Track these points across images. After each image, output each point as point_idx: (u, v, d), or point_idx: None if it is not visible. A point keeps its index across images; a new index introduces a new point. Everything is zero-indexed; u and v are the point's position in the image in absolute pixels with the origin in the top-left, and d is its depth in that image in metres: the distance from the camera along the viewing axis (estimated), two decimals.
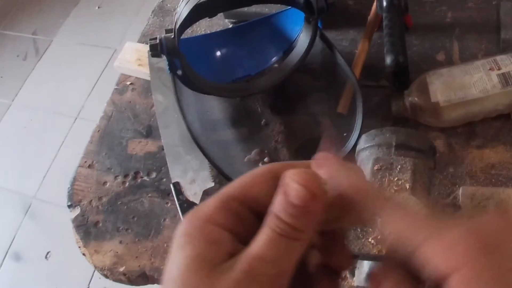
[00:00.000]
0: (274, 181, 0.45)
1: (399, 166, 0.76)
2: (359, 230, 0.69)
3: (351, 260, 0.49)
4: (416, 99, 0.99)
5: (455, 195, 0.93)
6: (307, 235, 0.43)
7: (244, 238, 0.43)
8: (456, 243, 0.37)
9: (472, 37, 1.14)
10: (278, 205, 0.42)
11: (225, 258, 0.41)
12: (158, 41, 0.95)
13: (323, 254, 0.47)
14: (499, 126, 1.01)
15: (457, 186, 0.95)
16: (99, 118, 1.19)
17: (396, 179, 0.75)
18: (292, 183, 0.41)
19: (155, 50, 0.96)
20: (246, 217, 0.44)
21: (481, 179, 0.96)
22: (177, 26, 0.96)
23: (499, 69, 0.98)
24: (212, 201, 0.44)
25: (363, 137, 0.84)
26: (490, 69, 0.98)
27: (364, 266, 0.75)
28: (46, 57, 3.27)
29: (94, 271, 2.23)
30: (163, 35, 0.96)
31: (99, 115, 1.20)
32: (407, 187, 0.74)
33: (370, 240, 0.67)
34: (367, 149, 0.81)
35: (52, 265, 2.43)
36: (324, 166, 0.45)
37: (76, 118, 2.90)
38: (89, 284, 2.34)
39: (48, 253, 2.46)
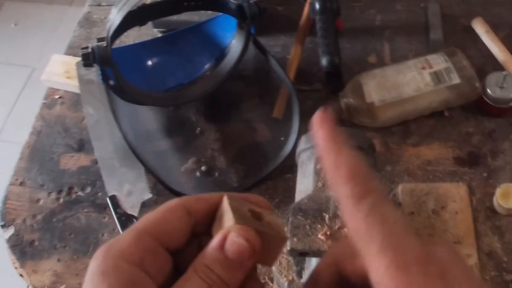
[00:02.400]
0: (187, 217, 0.46)
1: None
2: (308, 227, 0.71)
3: None
4: (351, 100, 1.03)
5: (395, 193, 0.98)
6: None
7: (155, 275, 0.43)
8: (401, 264, 0.38)
9: (402, 39, 1.21)
10: (212, 258, 0.43)
11: None
12: (90, 50, 0.96)
13: None
14: (433, 123, 1.07)
15: (395, 183, 0.99)
16: (27, 134, 1.18)
17: None
18: (238, 238, 0.42)
19: (87, 59, 0.96)
20: (158, 253, 0.44)
21: (418, 175, 1.01)
22: (110, 34, 0.97)
23: (431, 67, 1.05)
24: (127, 236, 0.43)
25: (303, 138, 0.86)
26: (422, 68, 1.04)
27: (313, 265, 0.78)
28: None
29: None
30: (95, 43, 0.96)
31: (22, 135, 1.19)
32: None
33: (319, 236, 0.69)
34: (308, 150, 0.84)
35: None
36: (320, 128, 0.44)
37: None
38: None
39: None
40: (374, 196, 0.41)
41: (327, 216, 0.73)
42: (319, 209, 0.74)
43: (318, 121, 0.45)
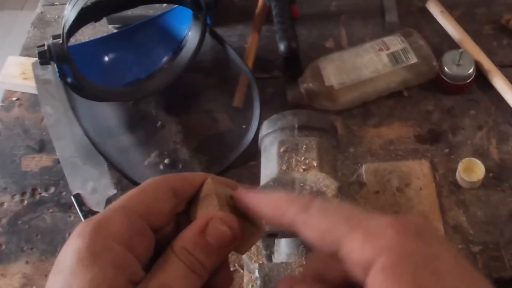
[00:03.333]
0: (173, 198, 0.47)
1: (304, 146, 0.80)
2: None
3: (232, 279, 0.50)
4: (310, 85, 1.05)
5: (359, 173, 0.99)
6: (210, 273, 0.45)
7: (141, 256, 0.43)
8: (375, 233, 0.38)
9: (358, 23, 1.22)
10: (193, 242, 0.44)
11: (129, 286, 0.41)
12: (46, 47, 0.95)
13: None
14: (393, 104, 1.09)
15: (359, 164, 1.01)
16: None
17: (303, 158, 0.79)
18: (221, 225, 0.44)
19: (44, 57, 0.95)
20: (146, 233, 0.44)
21: (381, 155, 1.03)
22: (65, 30, 0.96)
23: (388, 49, 1.07)
24: (117, 217, 0.43)
25: (265, 123, 0.87)
26: (379, 49, 1.06)
27: (282, 247, 0.79)
28: None
29: None
30: (51, 41, 0.95)
31: None
32: (315, 164, 0.78)
33: None
34: (271, 134, 0.85)
35: None
36: (246, 196, 0.47)
37: None
38: None
39: None
40: (319, 199, 0.43)
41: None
42: (285, 189, 0.75)
43: (240, 195, 0.48)
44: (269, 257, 0.81)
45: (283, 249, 0.76)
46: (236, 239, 0.45)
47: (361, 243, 0.38)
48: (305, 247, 0.72)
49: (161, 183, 0.47)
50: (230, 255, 0.49)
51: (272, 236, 0.73)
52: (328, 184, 0.75)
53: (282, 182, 0.76)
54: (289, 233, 0.71)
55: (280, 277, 0.68)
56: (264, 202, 0.46)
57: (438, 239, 0.40)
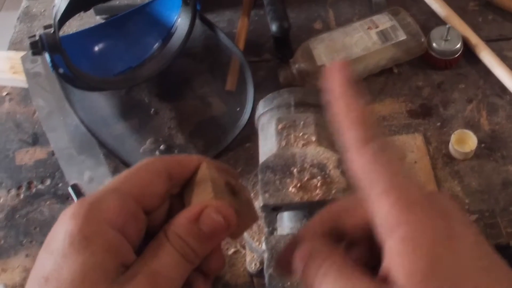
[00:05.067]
0: (168, 182, 0.48)
1: (302, 122, 0.82)
2: (277, 182, 0.73)
3: (224, 263, 0.50)
4: (302, 65, 1.07)
5: None
6: (202, 259, 0.46)
7: (133, 240, 0.44)
8: (406, 202, 0.39)
9: (345, 3, 1.25)
10: (186, 229, 0.44)
11: (121, 269, 0.42)
12: (38, 37, 0.96)
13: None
14: (384, 80, 1.12)
15: None
16: None
17: (301, 134, 0.81)
18: (215, 214, 0.44)
19: (36, 48, 0.96)
20: (139, 217, 0.45)
21: None
22: (57, 19, 0.97)
23: (377, 27, 1.10)
24: (111, 199, 0.43)
25: (261, 102, 0.89)
26: (368, 28, 1.09)
27: (285, 222, 0.80)
28: None
29: None
30: (43, 31, 0.96)
31: None
32: (313, 139, 0.80)
33: (290, 189, 0.72)
34: (267, 113, 0.87)
35: None
36: (334, 75, 0.46)
37: None
38: None
39: None
40: (380, 142, 0.42)
41: (295, 170, 0.76)
42: (286, 164, 0.77)
43: (335, 68, 0.46)
44: (272, 234, 0.79)
45: (286, 223, 0.77)
46: (230, 229, 0.45)
47: (389, 208, 0.39)
48: (307, 221, 0.72)
49: (156, 165, 0.48)
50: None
51: (276, 209, 0.74)
52: (328, 156, 0.77)
53: (282, 157, 0.78)
54: (295, 206, 0.74)
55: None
56: (341, 99, 0.45)
57: (462, 221, 0.40)
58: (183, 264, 0.44)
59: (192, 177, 0.50)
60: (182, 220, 0.45)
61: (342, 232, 0.47)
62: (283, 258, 0.48)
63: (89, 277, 0.39)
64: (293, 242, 0.47)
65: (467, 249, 0.38)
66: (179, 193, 0.50)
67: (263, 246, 0.75)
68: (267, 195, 0.73)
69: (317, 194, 0.74)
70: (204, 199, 0.47)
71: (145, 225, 0.46)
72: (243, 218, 0.49)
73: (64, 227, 0.42)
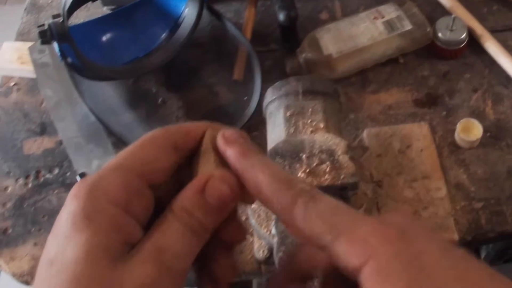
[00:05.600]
0: (175, 154, 0.46)
1: (310, 109, 0.84)
2: (287, 167, 0.75)
3: (245, 233, 0.49)
4: (309, 55, 1.09)
5: (361, 138, 1.03)
6: (210, 234, 0.44)
7: (139, 216, 0.43)
8: (363, 238, 0.39)
9: None
10: (192, 202, 0.43)
11: (125, 247, 0.41)
12: (47, 26, 0.96)
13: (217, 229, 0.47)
14: (390, 70, 1.14)
15: (360, 130, 1.05)
16: None
17: (310, 121, 0.83)
18: (219, 184, 0.43)
19: (45, 37, 0.97)
20: (144, 193, 0.44)
21: (381, 120, 1.07)
22: (66, 8, 0.98)
23: (383, 17, 1.11)
24: (113, 177, 0.43)
25: (269, 90, 0.91)
26: (374, 18, 1.11)
27: None
28: None
29: None
30: (51, 20, 0.97)
31: None
32: (321, 126, 0.82)
33: (300, 174, 0.74)
34: (276, 100, 0.89)
35: None
36: (232, 145, 0.45)
37: None
38: None
39: None
40: (304, 198, 0.42)
41: (304, 155, 0.77)
42: (295, 150, 0.78)
43: (224, 144, 0.46)
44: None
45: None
46: (235, 197, 0.44)
47: (346, 252, 0.39)
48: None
49: (160, 138, 0.47)
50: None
51: None
52: (337, 142, 0.79)
53: (291, 143, 0.79)
54: None
55: None
56: (246, 177, 0.44)
57: (421, 234, 0.40)
58: (191, 238, 0.43)
59: (199, 146, 0.48)
60: (187, 193, 0.44)
61: (311, 273, 0.48)
62: None
63: (92, 255, 0.39)
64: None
65: (434, 263, 0.38)
66: (188, 163, 0.49)
67: (273, 230, 0.76)
68: None
69: (326, 179, 0.76)
70: (209, 169, 0.46)
71: (152, 201, 0.45)
72: None
73: (66, 209, 0.41)
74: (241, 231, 0.49)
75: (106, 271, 0.39)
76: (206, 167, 0.46)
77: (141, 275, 0.39)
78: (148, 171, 0.44)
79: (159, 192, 0.46)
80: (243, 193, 0.46)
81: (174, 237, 0.42)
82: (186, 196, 0.43)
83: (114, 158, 0.45)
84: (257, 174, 0.43)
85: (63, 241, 0.40)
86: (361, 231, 0.39)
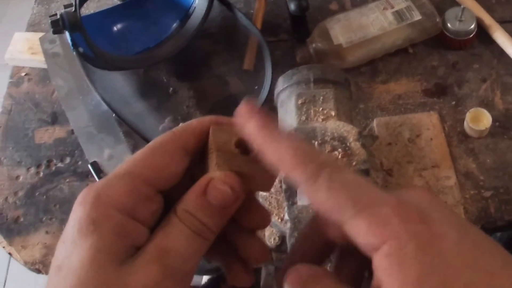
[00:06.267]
0: (185, 158, 0.46)
1: (321, 97, 0.85)
2: None
3: (268, 218, 0.50)
4: (319, 44, 1.10)
5: (371, 127, 1.04)
6: (215, 235, 0.44)
7: (147, 220, 0.43)
8: (385, 217, 0.38)
9: None
10: (194, 204, 0.43)
11: (131, 251, 0.41)
12: (59, 16, 0.97)
13: (238, 216, 0.47)
14: (399, 60, 1.14)
15: (370, 119, 1.06)
16: None
17: (321, 109, 0.84)
18: (221, 185, 0.43)
19: (57, 26, 0.97)
20: (152, 198, 0.44)
21: (391, 109, 1.08)
22: None
23: (392, 7, 1.12)
24: (120, 184, 0.43)
25: (281, 79, 0.92)
26: (384, 8, 1.11)
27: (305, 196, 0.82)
28: None
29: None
30: (63, 9, 0.98)
31: None
32: (333, 114, 0.82)
33: None
34: (287, 89, 0.89)
35: None
36: (252, 119, 0.43)
37: None
38: None
39: None
40: (328, 169, 0.41)
41: (316, 143, 0.78)
42: (307, 137, 0.79)
43: (245, 113, 0.44)
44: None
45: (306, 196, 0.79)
46: (239, 198, 0.44)
47: (366, 230, 0.39)
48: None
49: (170, 143, 0.46)
50: None
51: None
52: (348, 129, 0.80)
53: (303, 131, 0.80)
54: None
55: (310, 219, 0.69)
56: (268, 147, 0.43)
57: (441, 216, 0.40)
58: (195, 239, 0.43)
59: (206, 144, 0.48)
60: (189, 196, 0.44)
61: (330, 243, 0.47)
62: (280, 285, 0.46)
63: (97, 260, 0.39)
64: (285, 268, 0.46)
65: (452, 247, 0.38)
66: (200, 158, 0.49)
67: (286, 216, 0.77)
68: None
69: None
70: (210, 171, 0.46)
71: (162, 204, 0.45)
72: (260, 174, 0.47)
73: (74, 214, 0.42)
74: (264, 216, 0.49)
75: (111, 275, 0.39)
76: (211, 167, 0.46)
77: (144, 277, 0.40)
78: (159, 178, 0.45)
79: (169, 193, 0.46)
80: (256, 183, 0.47)
81: (178, 239, 0.42)
82: (189, 199, 0.44)
83: (123, 164, 0.45)
84: (281, 145, 0.42)
85: (70, 246, 0.41)
86: (383, 209, 0.39)
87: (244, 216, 0.48)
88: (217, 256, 0.50)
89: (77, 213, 0.42)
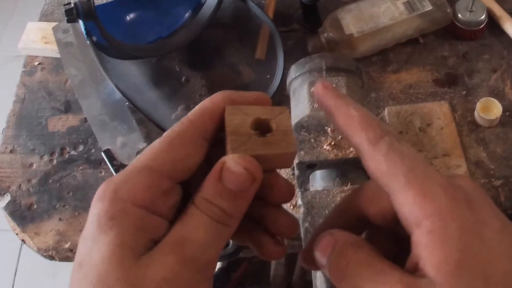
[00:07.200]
0: (205, 145, 0.46)
1: (334, 85, 0.85)
2: (312, 140, 0.77)
3: (292, 189, 0.50)
4: (330, 34, 1.11)
5: (382, 116, 1.05)
6: (238, 220, 0.44)
7: (166, 213, 0.43)
8: (434, 193, 0.39)
9: None
10: (212, 191, 0.43)
11: (151, 245, 0.41)
12: (73, 4, 0.98)
13: (261, 193, 0.47)
14: (410, 50, 1.16)
15: (381, 108, 1.07)
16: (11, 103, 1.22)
17: None
18: (235, 167, 0.42)
19: (71, 15, 0.98)
20: (171, 191, 0.44)
21: (402, 99, 1.09)
22: None
23: None
24: (138, 178, 0.43)
25: (293, 67, 0.92)
26: None
27: (318, 181, 0.80)
28: None
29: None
30: None
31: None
32: None
33: (325, 147, 0.75)
34: (299, 77, 0.90)
35: None
36: (330, 91, 0.47)
37: None
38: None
39: None
40: (389, 137, 0.43)
41: (329, 129, 0.79)
42: (320, 124, 0.80)
43: (323, 88, 0.48)
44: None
45: (318, 182, 0.79)
46: (256, 179, 0.43)
47: (413, 201, 0.40)
48: (340, 180, 0.75)
49: (188, 133, 0.45)
50: None
51: (311, 167, 0.77)
52: None
53: (316, 117, 0.81)
54: (330, 163, 0.76)
55: (323, 204, 0.70)
56: (339, 112, 0.46)
57: (487, 207, 0.41)
58: (215, 227, 0.42)
59: (224, 125, 0.47)
60: (206, 182, 0.43)
61: (365, 220, 0.48)
62: (308, 251, 0.47)
63: (116, 255, 0.39)
64: (315, 236, 0.47)
65: (494, 236, 0.39)
66: (219, 141, 0.48)
67: (299, 201, 0.78)
68: (302, 152, 0.76)
69: (351, 151, 0.77)
70: (225, 155, 0.45)
71: (181, 195, 0.45)
72: (285, 142, 0.47)
73: (93, 210, 0.42)
74: (289, 189, 0.50)
75: (131, 270, 0.39)
76: (227, 151, 0.45)
77: (162, 268, 0.40)
78: (178, 170, 0.44)
79: (189, 181, 0.46)
80: (275, 161, 0.46)
81: (196, 227, 0.42)
82: (206, 186, 0.43)
83: (141, 156, 0.44)
84: (351, 110, 0.45)
85: (90, 243, 0.41)
86: (433, 185, 0.40)
87: (268, 192, 0.48)
88: (244, 236, 0.50)
89: (96, 209, 0.42)
